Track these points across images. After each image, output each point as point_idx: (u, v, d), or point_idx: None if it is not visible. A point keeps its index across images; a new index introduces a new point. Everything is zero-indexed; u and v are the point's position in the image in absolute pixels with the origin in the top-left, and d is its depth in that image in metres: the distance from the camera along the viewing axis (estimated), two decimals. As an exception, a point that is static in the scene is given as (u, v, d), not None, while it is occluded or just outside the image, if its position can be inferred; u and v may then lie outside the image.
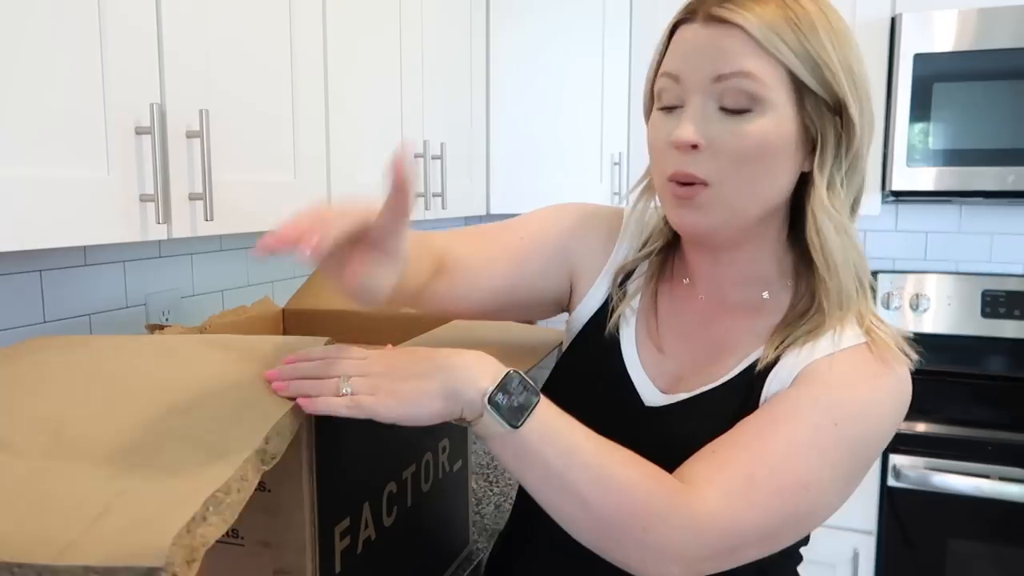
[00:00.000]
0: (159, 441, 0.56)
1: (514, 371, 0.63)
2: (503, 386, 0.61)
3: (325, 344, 0.68)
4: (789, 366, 0.70)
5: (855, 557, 1.72)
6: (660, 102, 0.70)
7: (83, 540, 0.46)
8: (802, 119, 0.66)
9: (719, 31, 0.65)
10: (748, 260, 0.74)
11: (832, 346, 0.69)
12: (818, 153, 0.67)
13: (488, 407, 0.60)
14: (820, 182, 0.67)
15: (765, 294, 0.74)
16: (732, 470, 0.64)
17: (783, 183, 0.68)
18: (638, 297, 0.81)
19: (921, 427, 1.70)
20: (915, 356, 0.70)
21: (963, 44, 1.75)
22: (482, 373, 0.62)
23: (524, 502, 0.88)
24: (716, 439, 0.67)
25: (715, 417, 0.71)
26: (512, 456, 0.62)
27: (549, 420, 0.63)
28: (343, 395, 0.61)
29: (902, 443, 1.67)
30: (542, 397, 0.63)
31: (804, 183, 0.69)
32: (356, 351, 0.65)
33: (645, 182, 0.79)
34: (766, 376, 0.71)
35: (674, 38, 0.69)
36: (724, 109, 0.65)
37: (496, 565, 0.95)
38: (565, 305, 0.88)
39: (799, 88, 0.65)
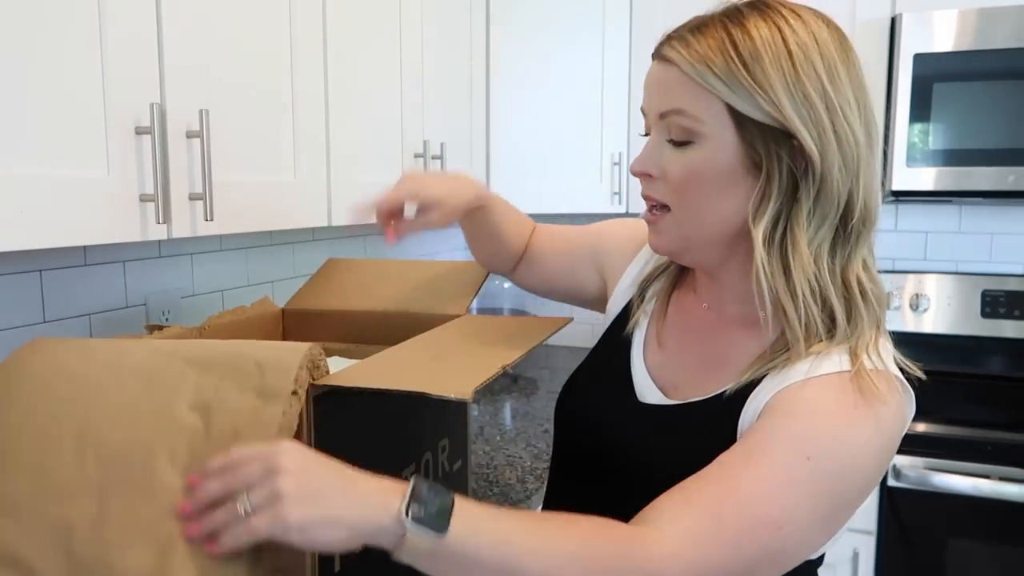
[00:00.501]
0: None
1: (415, 477, 0.58)
2: (415, 496, 0.55)
3: (308, 351, 0.67)
4: (766, 389, 0.68)
5: (855, 557, 1.72)
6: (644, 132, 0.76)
7: None
8: (745, 148, 0.66)
9: (662, 68, 0.70)
10: (738, 279, 0.74)
11: (807, 372, 0.66)
12: (762, 185, 0.67)
13: (409, 523, 0.54)
14: (759, 219, 0.66)
15: (762, 313, 0.70)
16: (699, 509, 0.61)
17: (731, 208, 0.68)
18: (653, 302, 0.85)
19: (921, 427, 1.70)
20: (916, 374, 0.68)
21: (963, 44, 1.75)
22: (388, 493, 0.56)
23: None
24: (688, 478, 0.64)
25: (697, 429, 0.72)
26: (452, 567, 0.57)
27: (472, 516, 0.57)
28: (241, 515, 0.55)
29: (902, 443, 1.66)
30: (454, 495, 0.58)
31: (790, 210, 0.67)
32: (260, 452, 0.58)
33: None
34: (745, 399, 0.70)
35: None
36: (671, 141, 0.70)
37: None
38: (603, 302, 0.96)
39: (738, 118, 0.65)
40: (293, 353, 0.67)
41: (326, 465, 0.57)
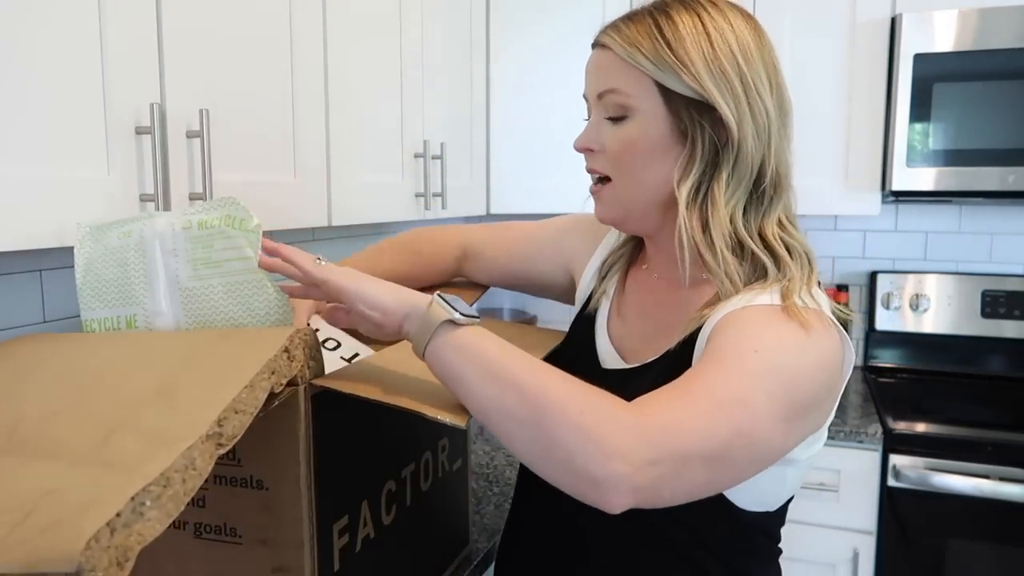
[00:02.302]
0: (109, 435, 0.54)
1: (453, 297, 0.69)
2: (446, 301, 0.68)
3: (294, 332, 0.68)
4: (707, 327, 0.74)
5: (855, 557, 1.72)
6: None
7: (2, 543, 0.43)
8: (673, 120, 0.76)
9: (598, 54, 0.80)
10: (671, 246, 0.79)
11: (743, 304, 0.72)
12: (687, 148, 0.76)
13: (438, 299, 0.68)
14: (684, 177, 0.76)
15: (706, 274, 0.78)
16: (671, 390, 0.65)
17: (662, 174, 0.77)
18: (614, 280, 0.92)
19: (921, 427, 1.70)
20: (843, 320, 0.74)
21: (963, 44, 1.75)
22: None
23: (520, 499, 0.94)
24: None
25: (652, 386, 0.72)
26: (454, 349, 0.66)
27: (487, 331, 0.68)
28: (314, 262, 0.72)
29: (902, 443, 1.67)
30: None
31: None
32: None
33: None
34: (692, 345, 0.76)
35: None
36: (609, 118, 0.79)
37: (499, 563, 0.96)
38: (572, 295, 1.01)
39: (666, 92, 0.75)
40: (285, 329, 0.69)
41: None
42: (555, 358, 0.90)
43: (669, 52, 0.74)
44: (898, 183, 1.82)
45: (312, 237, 1.69)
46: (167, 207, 0.87)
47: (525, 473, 0.94)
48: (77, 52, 0.79)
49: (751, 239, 0.76)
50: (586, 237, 0.99)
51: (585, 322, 0.92)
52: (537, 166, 1.98)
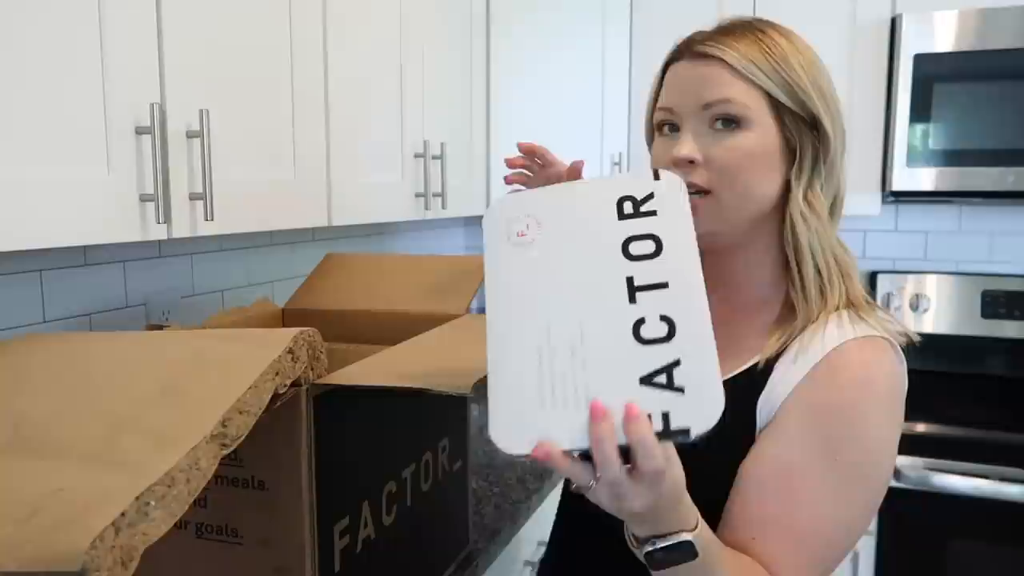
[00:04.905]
0: (113, 435, 0.54)
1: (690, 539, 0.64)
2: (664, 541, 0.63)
3: (298, 333, 0.68)
4: (780, 375, 0.76)
5: (855, 557, 1.72)
6: (660, 131, 0.81)
7: (7, 542, 0.44)
8: (783, 133, 0.77)
9: (704, 65, 0.77)
10: (748, 263, 0.81)
11: (820, 351, 0.74)
12: (797, 161, 0.78)
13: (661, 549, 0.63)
14: (797, 187, 0.78)
15: (766, 295, 0.80)
16: (792, 552, 0.72)
17: (771, 188, 0.78)
18: None
19: (921, 427, 1.70)
20: (913, 337, 0.78)
21: (964, 44, 1.75)
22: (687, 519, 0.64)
23: (561, 530, 0.95)
24: (746, 507, 0.73)
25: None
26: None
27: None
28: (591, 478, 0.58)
29: (902, 443, 1.67)
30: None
31: (787, 191, 0.79)
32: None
33: None
34: (769, 373, 0.76)
35: (667, 75, 0.81)
36: (720, 123, 0.77)
37: None
38: None
39: (777, 107, 0.76)
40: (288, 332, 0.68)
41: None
42: None
43: (784, 69, 0.76)
44: (898, 183, 1.82)
45: (312, 237, 1.69)
46: (167, 207, 0.87)
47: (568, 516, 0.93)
48: (77, 52, 0.79)
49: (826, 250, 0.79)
50: None
51: None
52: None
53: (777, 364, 0.76)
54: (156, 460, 0.50)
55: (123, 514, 0.45)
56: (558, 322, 0.59)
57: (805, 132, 0.77)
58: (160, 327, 0.96)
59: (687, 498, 0.63)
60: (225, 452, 0.54)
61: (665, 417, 0.54)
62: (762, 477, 0.73)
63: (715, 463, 0.73)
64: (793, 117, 0.76)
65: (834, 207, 0.81)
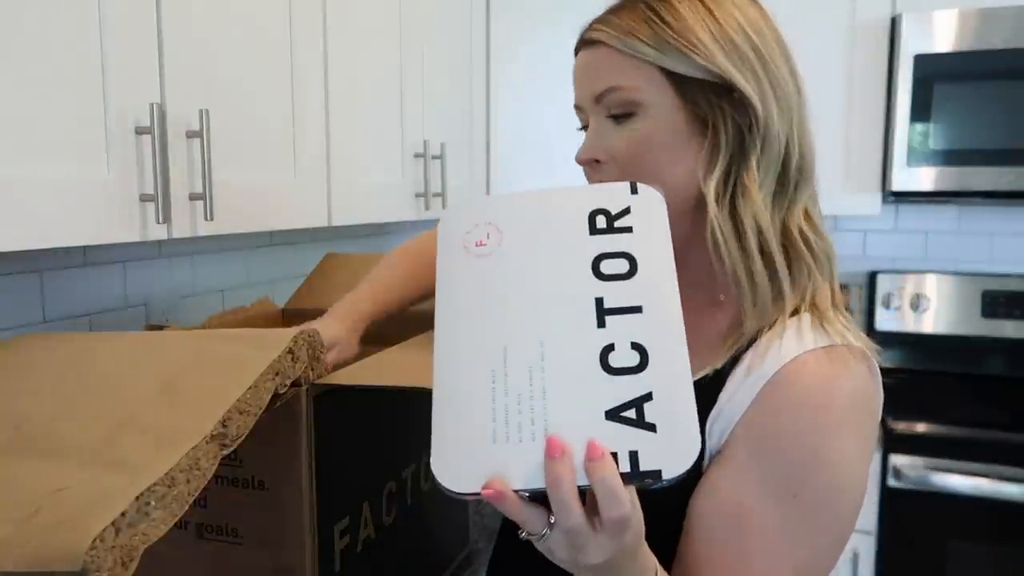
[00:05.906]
0: (113, 435, 0.54)
1: None
2: None
3: (298, 333, 0.68)
4: (731, 391, 0.65)
5: (855, 557, 1.72)
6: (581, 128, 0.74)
7: (7, 542, 0.44)
8: (689, 109, 0.66)
9: (589, 53, 0.70)
10: (700, 260, 0.69)
11: (775, 364, 0.63)
12: (709, 136, 0.66)
13: None
14: (713, 167, 0.66)
15: (722, 296, 0.71)
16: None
17: (684, 173, 0.67)
18: None
19: (921, 427, 1.70)
20: (875, 351, 0.66)
21: (964, 44, 1.75)
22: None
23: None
24: (697, 550, 0.64)
25: None
26: None
27: None
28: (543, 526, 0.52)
29: (902, 443, 1.67)
30: None
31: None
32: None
33: None
34: (721, 386, 0.66)
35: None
36: (612, 118, 0.69)
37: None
38: None
39: (675, 80, 0.65)
40: (289, 331, 0.68)
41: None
42: None
43: (671, 33, 0.65)
44: (898, 183, 1.82)
45: (312, 237, 1.69)
46: (167, 207, 0.87)
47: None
48: (77, 52, 0.79)
49: (773, 236, 0.66)
50: None
51: None
52: (537, 166, 1.98)
53: (729, 378, 0.66)
54: (156, 460, 0.50)
55: (123, 514, 0.45)
56: (516, 344, 0.52)
57: (720, 99, 0.65)
58: (160, 327, 0.96)
59: (645, 545, 0.55)
60: (225, 452, 0.55)
61: (633, 457, 0.48)
62: (713, 520, 0.64)
63: (667, 494, 0.59)
64: (700, 86, 0.65)
65: (786, 177, 0.67)
